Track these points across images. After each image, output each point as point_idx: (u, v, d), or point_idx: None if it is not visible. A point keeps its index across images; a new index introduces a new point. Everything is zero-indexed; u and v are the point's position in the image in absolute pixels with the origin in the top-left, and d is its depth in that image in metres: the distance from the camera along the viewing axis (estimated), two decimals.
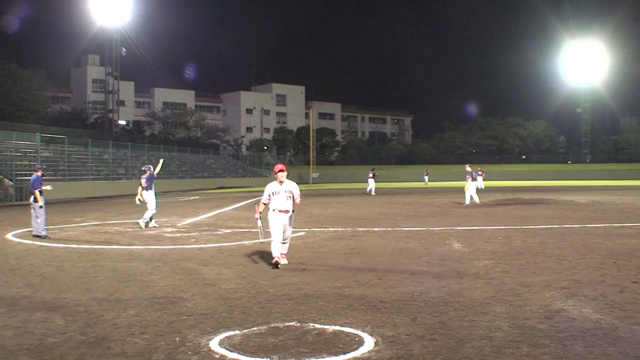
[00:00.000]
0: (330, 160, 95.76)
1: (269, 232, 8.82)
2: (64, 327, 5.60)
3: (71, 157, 40.79)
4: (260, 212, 9.03)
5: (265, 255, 10.09)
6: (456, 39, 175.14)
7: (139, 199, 15.71)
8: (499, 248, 10.59)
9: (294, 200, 8.81)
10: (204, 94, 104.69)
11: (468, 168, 24.65)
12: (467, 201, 23.46)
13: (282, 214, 8.67)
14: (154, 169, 16.03)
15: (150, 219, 15.40)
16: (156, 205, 15.58)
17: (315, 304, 6.35)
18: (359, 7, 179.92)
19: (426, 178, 57.30)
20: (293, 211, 8.89)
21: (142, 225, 15.10)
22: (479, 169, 42.95)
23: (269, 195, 8.82)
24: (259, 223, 9.16)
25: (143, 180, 15.64)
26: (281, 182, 8.77)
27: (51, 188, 14.61)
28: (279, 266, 8.59)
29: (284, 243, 8.85)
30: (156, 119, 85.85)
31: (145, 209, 15.44)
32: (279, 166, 8.97)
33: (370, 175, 36.51)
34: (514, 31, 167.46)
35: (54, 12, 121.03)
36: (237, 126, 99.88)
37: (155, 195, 15.70)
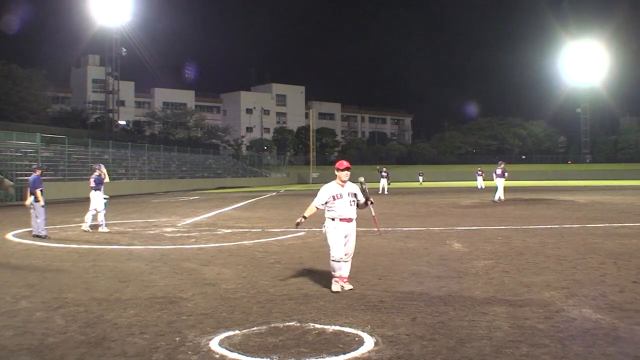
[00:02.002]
0: (330, 160, 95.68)
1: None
2: (64, 327, 5.60)
3: (71, 157, 40.78)
4: (306, 218, 7.17)
5: (265, 255, 10.10)
6: (456, 39, 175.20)
7: (105, 197, 14.59)
8: (499, 248, 10.59)
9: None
10: (204, 94, 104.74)
11: (501, 165, 26.08)
12: (497, 197, 24.99)
13: (344, 223, 7.03)
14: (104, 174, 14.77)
15: (91, 225, 14.33)
16: (104, 207, 14.46)
17: (315, 304, 6.35)
18: (359, 7, 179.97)
19: (421, 178, 57.28)
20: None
21: (103, 229, 14.21)
22: (479, 168, 42.97)
23: (328, 200, 7.09)
24: (332, 233, 7.14)
25: (92, 180, 14.42)
26: (343, 183, 7.15)
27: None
28: (339, 290, 6.96)
29: (346, 262, 7.10)
30: (156, 119, 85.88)
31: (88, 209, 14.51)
32: (344, 163, 7.19)
33: (385, 174, 36.00)
34: (514, 31, 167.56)
35: (54, 12, 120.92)
36: (237, 126, 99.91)
37: (107, 198, 14.67)
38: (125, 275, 8.37)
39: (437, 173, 74.43)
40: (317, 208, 7.17)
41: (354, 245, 7.22)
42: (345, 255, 7.03)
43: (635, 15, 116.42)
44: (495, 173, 25.51)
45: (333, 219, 7.07)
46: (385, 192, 35.19)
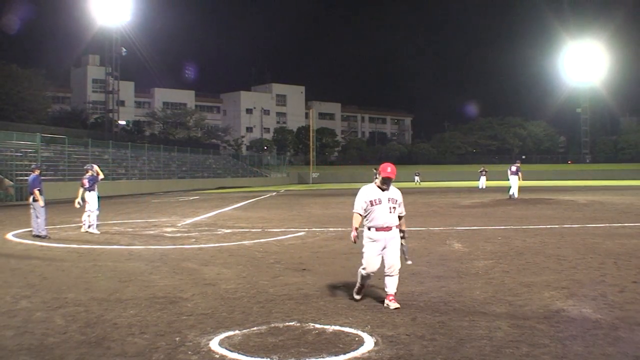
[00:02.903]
0: (330, 160, 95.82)
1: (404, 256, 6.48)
2: (64, 327, 5.60)
3: (71, 157, 40.80)
4: (357, 228, 6.32)
5: (265, 255, 10.10)
6: (456, 39, 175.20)
7: (79, 202, 14.16)
8: (499, 248, 10.59)
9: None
10: (204, 94, 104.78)
11: (518, 163, 27.53)
12: (511, 193, 26.19)
13: (382, 233, 6.19)
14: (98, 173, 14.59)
15: (89, 225, 14.11)
16: (98, 208, 14.19)
17: (315, 304, 6.35)
18: (359, 7, 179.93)
19: (417, 178, 57.29)
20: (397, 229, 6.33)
21: (93, 230, 13.96)
22: (482, 168, 42.99)
23: (366, 204, 6.25)
24: (367, 243, 6.32)
25: (85, 181, 14.21)
26: (385, 187, 6.25)
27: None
28: (359, 299, 6.45)
29: (390, 276, 6.24)
30: (156, 119, 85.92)
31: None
32: (388, 168, 6.16)
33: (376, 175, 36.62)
34: (514, 31, 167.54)
35: (54, 12, 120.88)
36: (237, 126, 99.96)
37: (98, 198, 14.39)
38: (125, 275, 8.37)
39: (437, 173, 74.41)
40: (360, 214, 6.30)
41: (398, 256, 6.23)
42: (389, 268, 6.17)
43: (635, 15, 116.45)
44: (510, 170, 26.79)
45: (369, 229, 6.21)
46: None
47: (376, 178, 6.31)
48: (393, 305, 6.10)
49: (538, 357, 4.56)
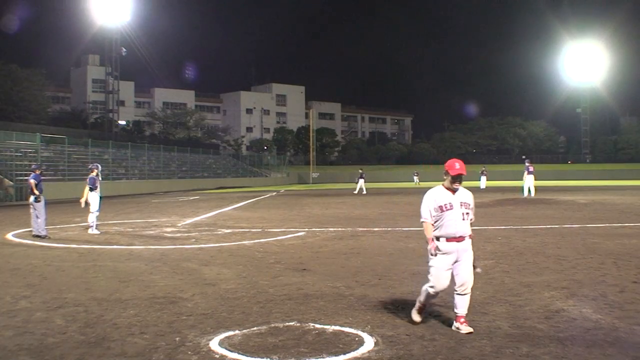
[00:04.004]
0: (330, 160, 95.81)
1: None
2: (64, 327, 5.60)
3: (71, 157, 40.80)
4: (433, 239, 5.36)
5: (265, 255, 10.10)
6: (456, 39, 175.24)
7: (87, 201, 13.92)
8: (499, 248, 10.58)
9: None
10: (204, 94, 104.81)
11: (526, 163, 29.03)
12: (526, 194, 27.45)
13: (454, 244, 5.31)
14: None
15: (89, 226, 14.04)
16: (98, 209, 14.03)
17: (315, 304, 6.35)
18: (359, 7, 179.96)
19: (416, 179, 57.36)
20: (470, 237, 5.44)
21: (93, 230, 13.84)
22: (483, 168, 43.00)
23: (435, 210, 5.35)
24: (440, 255, 5.31)
25: (89, 180, 14.04)
26: (455, 188, 5.43)
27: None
28: (419, 320, 5.50)
29: (461, 295, 5.30)
30: (156, 119, 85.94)
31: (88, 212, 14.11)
32: (457, 165, 5.41)
33: (362, 176, 37.67)
34: (514, 31, 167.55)
35: (54, 12, 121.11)
36: (237, 126, 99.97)
37: (100, 198, 14.21)
38: (125, 275, 8.37)
39: (438, 173, 74.06)
40: (430, 223, 5.39)
41: (471, 271, 5.31)
42: (460, 286, 5.25)
43: (635, 15, 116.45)
44: (528, 170, 28.33)
45: (437, 238, 5.31)
46: (361, 192, 35.88)
47: (445, 178, 5.44)
48: (465, 329, 5.17)
49: (538, 357, 4.56)
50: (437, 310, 5.99)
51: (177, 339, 5.15)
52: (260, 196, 34.04)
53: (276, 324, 5.55)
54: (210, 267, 8.93)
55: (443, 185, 5.44)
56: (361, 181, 36.99)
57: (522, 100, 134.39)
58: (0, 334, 5.38)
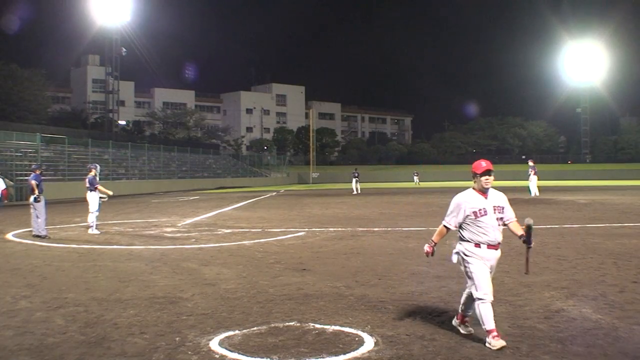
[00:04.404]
0: (330, 160, 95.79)
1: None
2: (64, 327, 5.60)
3: (71, 157, 40.79)
4: (435, 244, 5.20)
5: (265, 255, 10.10)
6: (456, 39, 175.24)
7: (102, 197, 14.08)
8: None
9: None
10: (204, 94, 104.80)
11: (530, 163, 29.78)
12: (533, 194, 28.05)
13: (492, 251, 5.09)
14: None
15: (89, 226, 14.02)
16: (98, 208, 14.03)
17: (315, 304, 6.35)
18: (359, 7, 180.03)
19: (416, 179, 57.40)
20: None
21: (93, 230, 13.83)
22: None
23: (468, 217, 5.01)
24: (476, 262, 5.06)
25: (87, 180, 14.00)
26: (485, 191, 5.07)
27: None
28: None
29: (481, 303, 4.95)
30: (156, 119, 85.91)
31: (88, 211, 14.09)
32: (483, 163, 5.11)
33: (356, 175, 37.87)
34: (514, 31, 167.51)
35: (54, 12, 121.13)
36: (237, 126, 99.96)
37: (100, 198, 14.14)
38: (125, 275, 8.37)
39: (437, 173, 74.40)
40: (449, 229, 5.10)
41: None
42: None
43: (635, 15, 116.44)
44: (533, 170, 28.89)
45: (478, 245, 4.99)
46: (358, 192, 36.13)
47: (474, 181, 5.10)
48: (497, 342, 4.75)
49: (538, 357, 4.56)
50: (438, 310, 6.00)
51: (177, 339, 5.15)
52: (260, 196, 34.04)
53: (276, 324, 5.55)
54: (210, 267, 8.93)
55: (473, 188, 5.08)
56: (354, 180, 37.31)
57: (522, 100, 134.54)
58: (0, 334, 5.38)
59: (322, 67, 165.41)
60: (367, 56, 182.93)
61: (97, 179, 14.34)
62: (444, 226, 5.10)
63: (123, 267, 9.08)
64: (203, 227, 15.25)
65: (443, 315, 5.79)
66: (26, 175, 30.57)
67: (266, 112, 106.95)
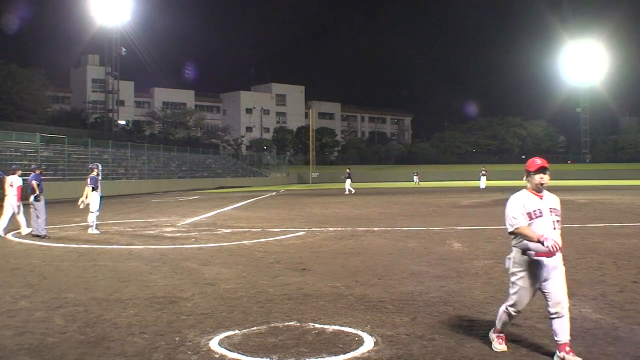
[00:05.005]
0: (330, 160, 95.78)
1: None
2: (64, 327, 5.60)
3: (71, 157, 40.79)
4: (542, 237, 4.51)
5: (265, 255, 10.10)
6: (456, 39, 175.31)
7: (83, 201, 13.87)
8: (499, 248, 10.58)
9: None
10: (204, 94, 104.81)
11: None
12: None
13: (545, 258, 4.61)
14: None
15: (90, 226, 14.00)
16: (99, 209, 14.03)
17: (315, 304, 6.35)
18: (359, 7, 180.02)
19: (416, 179, 57.46)
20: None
21: (93, 230, 13.81)
22: (483, 169, 43.03)
23: (523, 219, 4.59)
24: (521, 272, 4.64)
25: (89, 180, 13.97)
26: (540, 191, 4.66)
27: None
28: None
29: (559, 318, 4.49)
30: (156, 119, 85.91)
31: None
32: (538, 161, 4.66)
33: (348, 175, 37.85)
34: (514, 31, 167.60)
35: (54, 12, 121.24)
36: (237, 126, 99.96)
37: (101, 198, 14.17)
38: (125, 275, 8.37)
39: (437, 173, 74.42)
40: (522, 226, 4.58)
41: (565, 291, 4.58)
42: (556, 306, 4.48)
43: (635, 15, 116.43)
44: None
45: (524, 252, 4.61)
46: (349, 192, 36.16)
47: (528, 180, 4.67)
48: (500, 347, 4.67)
49: (538, 357, 4.56)
50: (438, 310, 5.99)
51: (177, 339, 5.14)
52: (260, 196, 34.04)
53: (276, 324, 5.55)
54: (210, 267, 8.93)
55: (527, 189, 4.68)
56: (348, 181, 37.40)
57: (522, 100, 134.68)
58: (0, 334, 5.38)
59: (322, 67, 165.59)
60: (367, 56, 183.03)
61: (100, 178, 14.34)
62: (519, 227, 4.56)
63: (123, 267, 9.08)
64: (203, 227, 15.25)
65: (443, 315, 5.79)
66: (26, 175, 30.56)
67: (266, 112, 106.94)
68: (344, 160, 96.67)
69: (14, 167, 14.42)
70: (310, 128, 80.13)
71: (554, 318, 4.48)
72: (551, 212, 4.62)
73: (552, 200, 4.70)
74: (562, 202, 4.82)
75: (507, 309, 4.68)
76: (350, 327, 5.41)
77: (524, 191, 4.70)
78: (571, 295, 6.64)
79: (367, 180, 69.58)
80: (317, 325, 5.47)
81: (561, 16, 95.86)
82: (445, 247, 10.90)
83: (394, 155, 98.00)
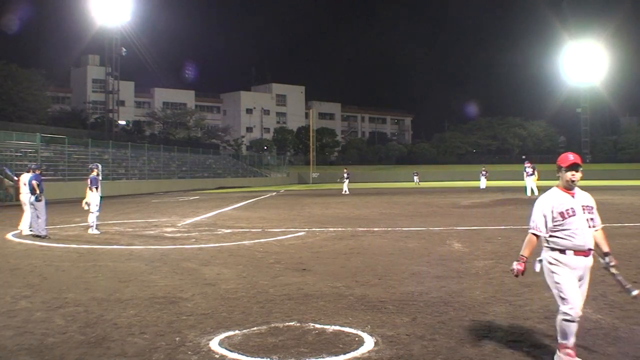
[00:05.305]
0: (330, 160, 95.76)
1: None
2: (64, 327, 5.60)
3: (71, 157, 40.79)
4: (527, 258, 4.57)
5: (265, 255, 10.10)
6: (456, 39, 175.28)
7: (87, 203, 13.84)
8: (499, 248, 10.58)
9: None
10: (204, 94, 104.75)
11: (526, 164, 29.98)
12: (529, 193, 28.08)
13: (581, 258, 4.35)
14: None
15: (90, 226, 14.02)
16: (99, 209, 14.00)
17: (315, 304, 6.35)
18: (359, 7, 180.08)
19: (416, 179, 57.48)
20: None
21: (93, 230, 13.82)
22: (483, 169, 43.02)
23: (554, 219, 4.38)
24: (562, 272, 4.39)
25: (89, 180, 13.98)
26: (571, 188, 4.48)
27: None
28: None
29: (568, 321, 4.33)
30: (156, 119, 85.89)
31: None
32: (570, 156, 4.49)
33: (346, 176, 37.96)
34: (514, 31, 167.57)
35: (54, 12, 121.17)
36: (237, 126, 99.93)
37: (100, 198, 14.14)
38: (125, 275, 8.37)
39: (437, 173, 74.41)
40: (538, 236, 4.46)
41: (585, 293, 4.49)
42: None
43: (635, 15, 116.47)
44: (526, 172, 28.92)
45: (563, 251, 4.34)
46: (346, 192, 36.27)
47: (559, 176, 4.46)
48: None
49: (538, 357, 4.56)
50: (438, 310, 5.99)
51: (177, 339, 5.14)
52: (260, 196, 34.04)
53: (276, 324, 5.55)
54: (210, 267, 8.93)
55: (558, 187, 4.48)
56: (346, 182, 37.51)
57: (522, 100, 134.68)
58: (0, 334, 5.38)
59: (322, 67, 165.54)
60: (367, 56, 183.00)
61: (100, 178, 14.34)
62: (532, 234, 4.44)
63: (123, 267, 9.08)
64: (203, 227, 15.25)
65: (443, 315, 5.79)
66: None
67: (266, 112, 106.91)
68: (344, 160, 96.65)
69: (33, 166, 14.42)
70: (310, 128, 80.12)
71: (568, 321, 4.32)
72: (584, 209, 4.40)
73: (584, 198, 4.49)
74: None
75: (562, 314, 4.31)
76: (350, 327, 5.41)
77: (554, 189, 4.49)
78: None
79: (367, 180, 69.58)
80: (317, 325, 5.48)
81: (561, 16, 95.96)
82: (445, 247, 10.90)
83: (394, 155, 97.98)
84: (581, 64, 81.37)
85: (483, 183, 40.95)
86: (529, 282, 7.43)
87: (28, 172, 14.01)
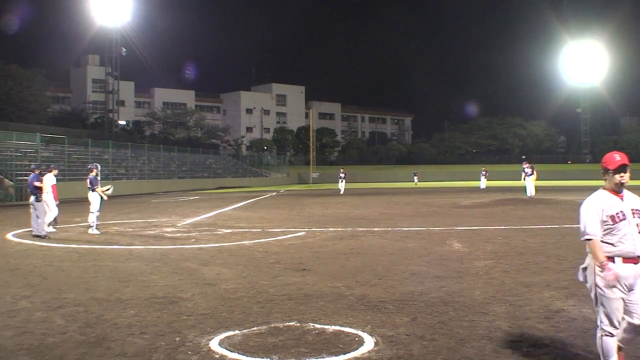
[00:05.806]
0: (330, 160, 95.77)
1: None
2: (64, 327, 5.60)
3: (71, 157, 40.78)
4: (607, 261, 3.98)
5: (265, 255, 10.10)
6: (456, 39, 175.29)
7: (104, 192, 14.13)
8: (499, 248, 10.59)
9: None
10: (204, 94, 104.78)
11: (525, 165, 30.20)
12: (529, 194, 27.94)
13: (630, 266, 3.98)
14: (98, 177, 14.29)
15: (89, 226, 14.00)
16: (99, 209, 14.03)
17: (315, 304, 6.35)
18: (359, 7, 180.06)
19: (416, 179, 57.56)
20: None
21: (93, 231, 13.76)
22: (483, 169, 43.03)
23: (604, 223, 4.02)
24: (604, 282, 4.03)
25: (89, 180, 14.04)
26: (620, 191, 4.09)
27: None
28: None
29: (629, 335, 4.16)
30: (156, 119, 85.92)
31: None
32: (616, 156, 4.10)
33: (342, 176, 38.17)
34: (514, 31, 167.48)
35: (54, 12, 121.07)
36: (237, 126, 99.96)
37: (100, 198, 14.12)
38: (125, 275, 8.37)
39: (437, 173, 74.43)
40: (594, 240, 3.99)
41: (639, 302, 4.05)
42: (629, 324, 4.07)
43: (635, 15, 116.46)
44: (525, 172, 29.01)
45: (611, 259, 3.99)
46: (341, 192, 36.51)
47: (605, 179, 4.11)
48: None
49: (538, 357, 4.56)
50: (438, 310, 5.99)
51: (177, 339, 5.14)
52: (260, 196, 34.04)
53: (276, 324, 5.55)
54: (210, 267, 8.93)
55: (605, 188, 4.12)
56: (343, 182, 37.64)
57: (522, 100, 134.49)
58: (0, 334, 5.38)
59: (322, 67, 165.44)
60: (367, 56, 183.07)
61: (99, 178, 14.35)
62: (591, 240, 3.99)
63: (123, 267, 9.08)
64: (203, 227, 15.25)
65: (443, 315, 5.79)
66: (26, 175, 30.58)
67: (266, 112, 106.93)
68: (344, 160, 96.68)
69: (52, 165, 14.56)
70: (310, 128, 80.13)
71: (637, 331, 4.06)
72: (633, 214, 4.01)
73: (633, 201, 4.10)
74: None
75: (603, 330, 4.08)
76: (350, 327, 5.41)
77: (601, 191, 4.12)
78: (571, 295, 6.66)
79: (367, 180, 69.58)
80: (317, 325, 5.48)
81: (561, 16, 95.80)
82: (445, 247, 10.90)
83: (394, 156, 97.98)
84: (581, 64, 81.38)
85: (483, 183, 40.97)
86: (529, 282, 7.44)
87: (50, 172, 14.00)
